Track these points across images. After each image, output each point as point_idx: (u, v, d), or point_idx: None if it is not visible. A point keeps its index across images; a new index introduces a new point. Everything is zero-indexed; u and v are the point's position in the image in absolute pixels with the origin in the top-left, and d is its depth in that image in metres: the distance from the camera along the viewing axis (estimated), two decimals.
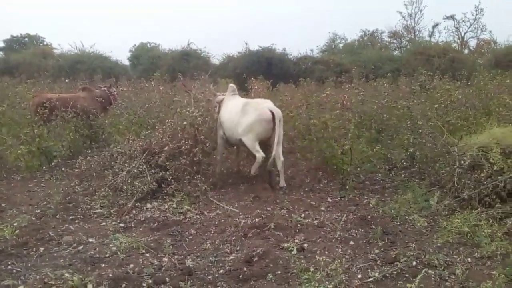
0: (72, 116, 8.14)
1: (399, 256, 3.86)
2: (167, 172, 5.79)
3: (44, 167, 7.20)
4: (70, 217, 5.14)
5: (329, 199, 5.78)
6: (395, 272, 3.60)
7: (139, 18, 56.98)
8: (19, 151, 6.97)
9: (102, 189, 5.78)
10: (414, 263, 3.73)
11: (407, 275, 3.56)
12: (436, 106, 7.29)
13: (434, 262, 3.72)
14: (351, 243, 4.29)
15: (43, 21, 53.16)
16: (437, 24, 31.85)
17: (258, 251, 4.00)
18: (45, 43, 33.90)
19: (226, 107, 6.57)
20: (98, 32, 52.03)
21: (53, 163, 7.12)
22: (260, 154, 5.91)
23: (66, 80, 15.27)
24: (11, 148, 7.16)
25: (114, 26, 56.92)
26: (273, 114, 5.89)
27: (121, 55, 34.71)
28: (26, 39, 34.56)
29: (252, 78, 12.44)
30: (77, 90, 10.43)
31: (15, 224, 4.76)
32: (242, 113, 6.09)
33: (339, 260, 3.75)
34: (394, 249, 4.06)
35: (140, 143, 6.20)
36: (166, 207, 5.41)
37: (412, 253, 3.90)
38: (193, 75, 14.30)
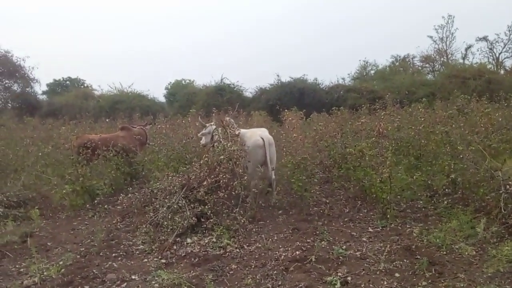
0: (113, 155, 8.44)
1: None
2: (206, 206, 5.84)
3: (87, 205, 7.41)
4: (113, 254, 5.24)
5: (370, 229, 5.65)
6: None
7: (174, 57, 59.42)
8: (64, 191, 7.27)
9: (144, 225, 5.91)
10: None
11: None
12: (475, 129, 7.09)
13: None
14: (397, 275, 4.15)
15: (83, 65, 56.33)
16: (470, 46, 31.33)
17: (301, 285, 3.95)
18: (85, 85, 35.78)
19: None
20: (136, 71, 54.59)
21: (96, 201, 7.31)
22: (254, 182, 6.62)
23: (107, 120, 15.88)
24: (56, 188, 7.47)
25: (151, 65, 59.48)
26: (264, 140, 6.69)
27: (158, 93, 36.16)
28: (67, 82, 36.77)
29: (286, 110, 12.58)
30: (117, 129, 10.85)
31: (61, 262, 4.90)
32: (242, 143, 6.90)
33: None
34: (442, 281, 3.90)
35: (179, 179, 6.33)
36: (206, 241, 5.42)
37: (462, 285, 3.73)
38: (227, 109, 14.58)
